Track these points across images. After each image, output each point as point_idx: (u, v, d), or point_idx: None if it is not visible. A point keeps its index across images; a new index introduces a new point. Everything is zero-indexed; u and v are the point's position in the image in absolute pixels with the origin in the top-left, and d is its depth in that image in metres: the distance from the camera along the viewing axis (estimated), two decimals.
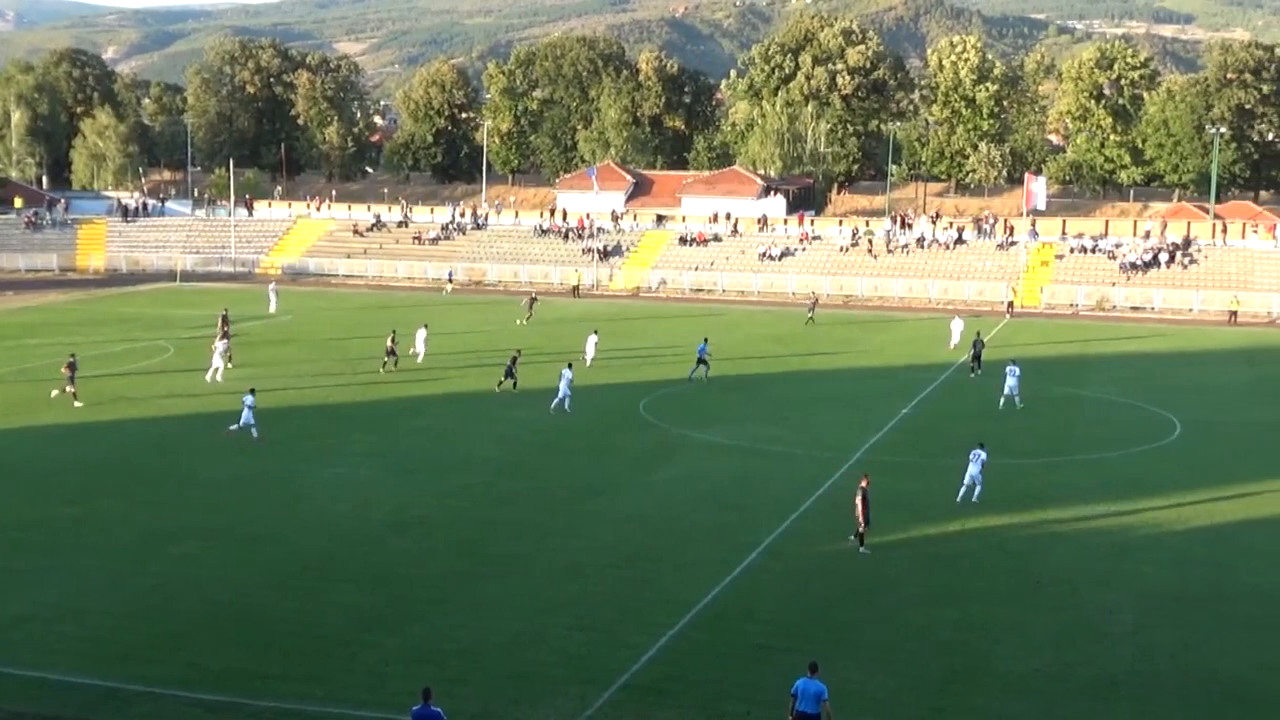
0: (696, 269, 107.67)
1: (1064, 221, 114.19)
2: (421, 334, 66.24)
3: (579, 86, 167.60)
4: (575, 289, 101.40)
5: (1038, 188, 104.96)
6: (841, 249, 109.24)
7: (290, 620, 29.08)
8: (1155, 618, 30.34)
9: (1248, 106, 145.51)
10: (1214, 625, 29.86)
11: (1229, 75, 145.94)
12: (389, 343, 63.32)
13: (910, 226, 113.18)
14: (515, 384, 57.17)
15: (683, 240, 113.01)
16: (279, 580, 31.82)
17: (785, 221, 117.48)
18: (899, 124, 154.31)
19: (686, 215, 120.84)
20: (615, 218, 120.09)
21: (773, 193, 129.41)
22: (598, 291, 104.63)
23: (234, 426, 47.04)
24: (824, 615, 30.13)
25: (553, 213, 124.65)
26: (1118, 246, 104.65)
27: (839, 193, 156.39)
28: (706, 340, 62.77)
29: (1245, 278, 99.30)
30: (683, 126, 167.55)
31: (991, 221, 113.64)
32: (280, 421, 50.05)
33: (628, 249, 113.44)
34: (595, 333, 67.34)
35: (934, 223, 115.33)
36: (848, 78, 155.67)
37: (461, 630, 28.61)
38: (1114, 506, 39.99)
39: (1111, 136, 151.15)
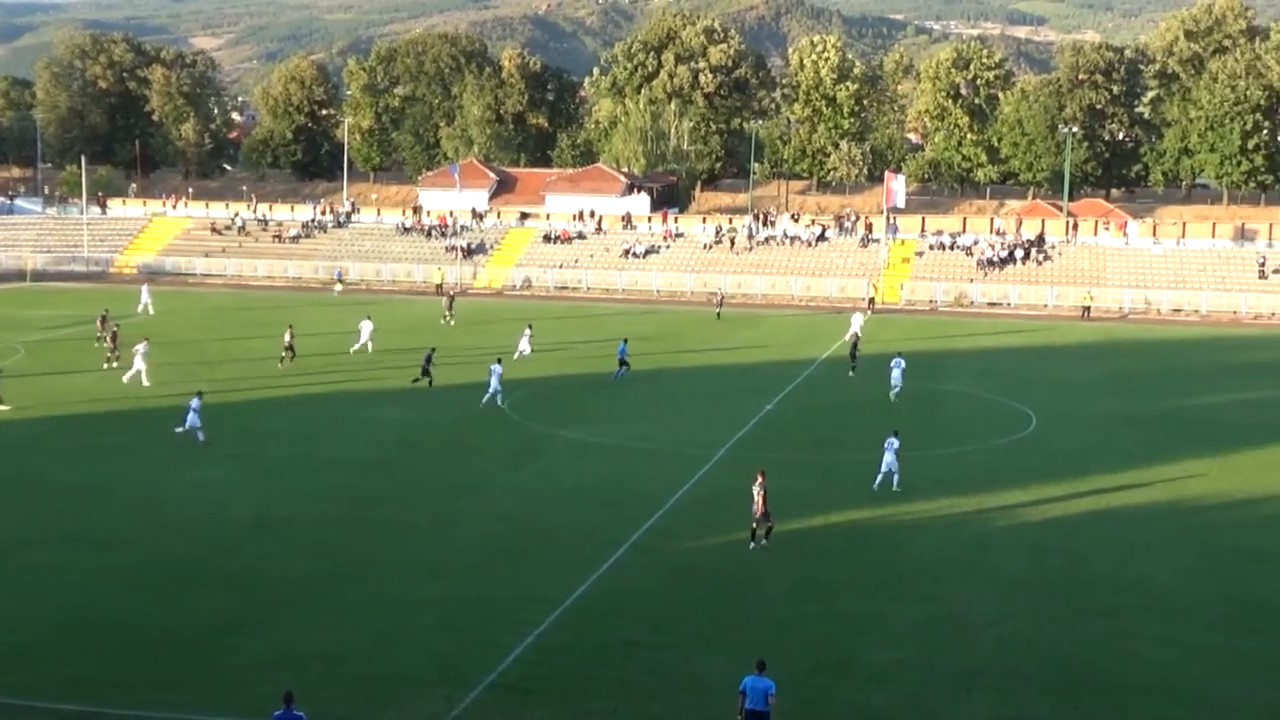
0: (561, 267, 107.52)
1: (923, 219, 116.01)
2: (368, 326, 68.21)
3: (441, 83, 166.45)
4: (439, 287, 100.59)
5: (897, 185, 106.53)
6: (705, 246, 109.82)
7: (148, 626, 28.41)
8: (1015, 608, 30.88)
9: (1098, 106, 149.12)
10: (1071, 614, 30.48)
11: (1080, 76, 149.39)
12: (287, 338, 63.54)
13: (773, 224, 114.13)
14: (430, 381, 56.95)
15: (547, 238, 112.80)
16: (135, 585, 31.08)
17: (649, 219, 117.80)
18: (761, 122, 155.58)
19: (550, 213, 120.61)
20: (478, 215, 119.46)
21: (636, 190, 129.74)
22: (461, 290, 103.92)
23: (179, 429, 46.20)
24: (691, 610, 30.19)
25: (415, 210, 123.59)
26: (975, 243, 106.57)
27: (702, 190, 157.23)
28: (626, 341, 62.70)
29: (1098, 274, 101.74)
30: (546, 124, 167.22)
31: (852, 219, 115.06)
32: (135, 424, 48.99)
33: (491, 247, 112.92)
34: (530, 326, 67.99)
35: (796, 220, 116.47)
36: (710, 76, 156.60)
37: (324, 633, 28.19)
38: (974, 499, 40.65)
39: (968, 135, 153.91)
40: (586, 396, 57.53)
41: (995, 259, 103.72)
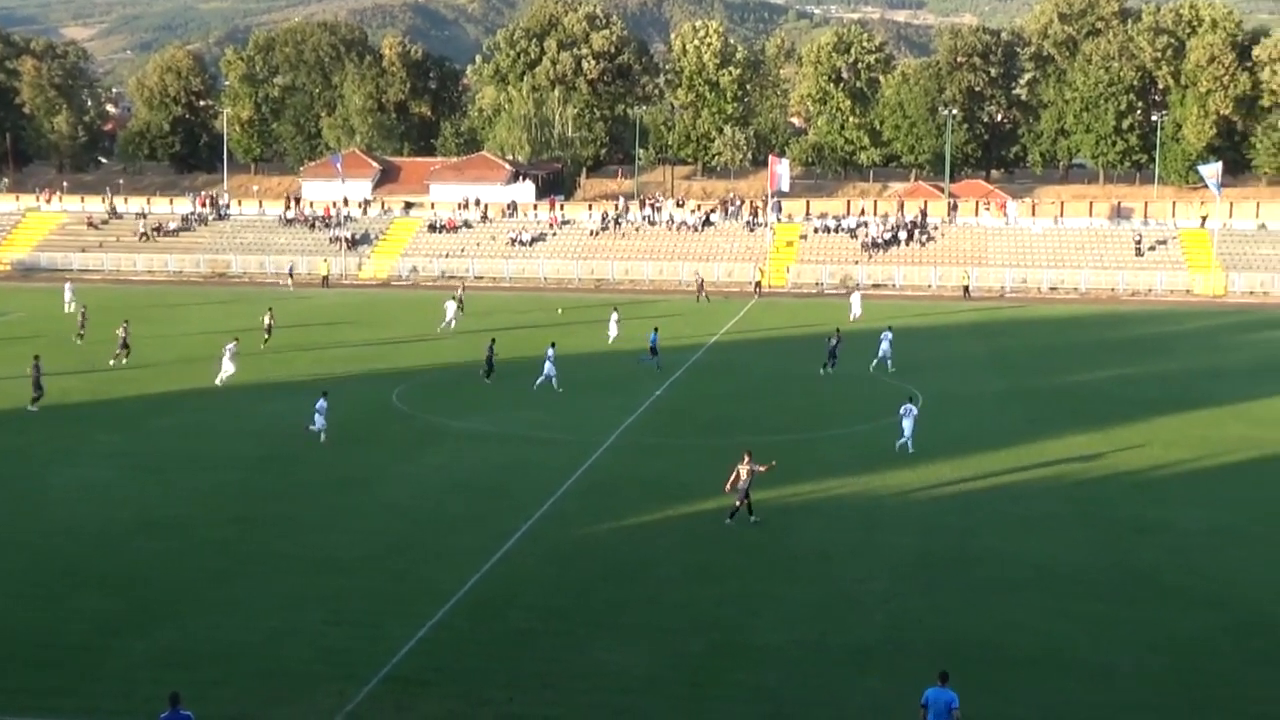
0: (447, 256, 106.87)
1: (808, 202, 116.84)
2: (451, 306, 73.59)
3: (321, 73, 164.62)
4: (325, 279, 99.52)
5: (781, 169, 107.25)
6: (592, 233, 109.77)
7: (32, 630, 27.76)
8: (905, 585, 31.26)
9: (977, 89, 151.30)
10: (961, 589, 30.91)
11: (959, 59, 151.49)
12: (267, 319, 66.95)
13: (659, 210, 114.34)
14: (490, 374, 57.33)
15: (432, 227, 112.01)
16: (18, 589, 30.37)
17: (535, 207, 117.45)
18: (645, 108, 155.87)
19: (435, 202, 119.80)
20: (363, 206, 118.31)
21: (522, 178, 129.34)
22: (347, 281, 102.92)
23: (312, 427, 45.69)
24: (585, 597, 30.18)
25: (298, 201, 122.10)
26: (859, 226, 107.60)
27: (588, 177, 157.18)
28: (657, 330, 63.03)
29: (979, 254, 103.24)
30: (429, 113, 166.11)
31: (737, 203, 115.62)
32: (13, 423, 47.91)
33: (376, 237, 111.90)
34: (616, 309, 71.70)
35: (681, 205, 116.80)
36: (593, 62, 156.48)
37: (215, 631, 27.76)
38: (863, 479, 41.07)
39: (850, 119, 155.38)
40: (477, 386, 57.23)
41: (879, 241, 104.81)
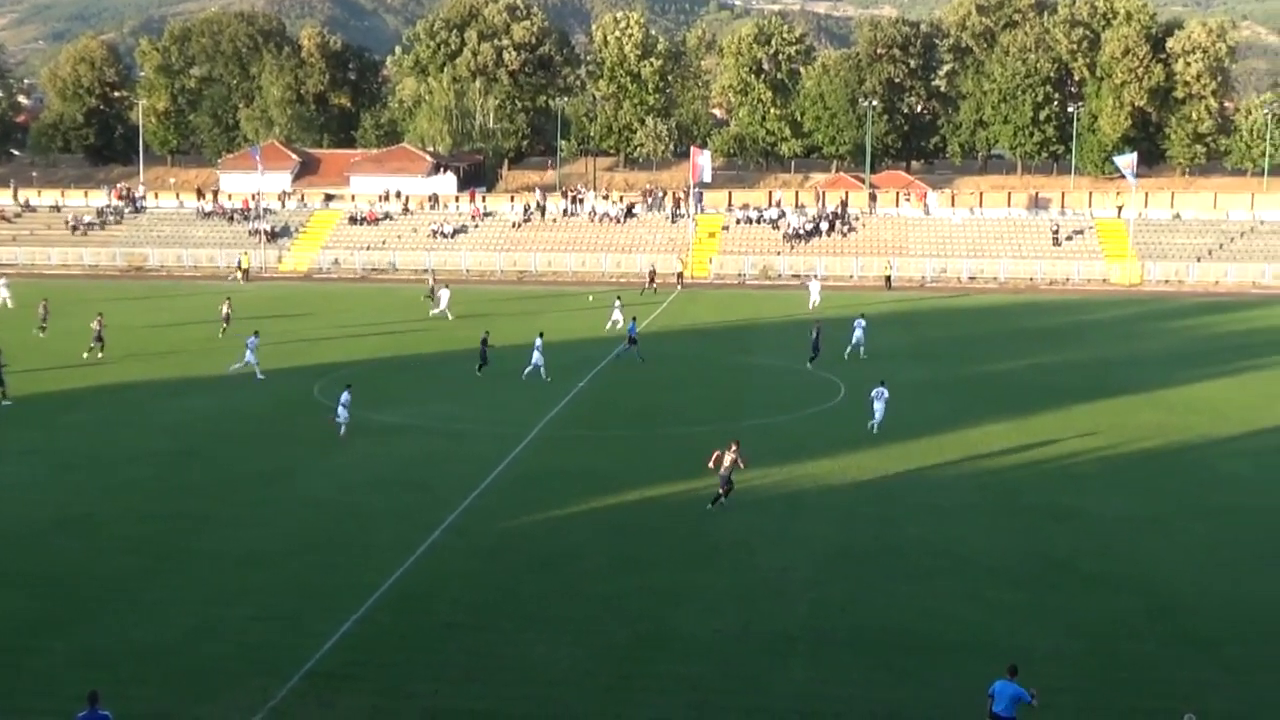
0: (368, 249, 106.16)
1: (730, 193, 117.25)
2: (445, 294, 75.52)
3: (239, 64, 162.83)
4: (245, 272, 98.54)
5: (703, 161, 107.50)
6: (514, 225, 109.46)
7: None
8: (828, 574, 31.49)
9: (897, 80, 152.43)
10: (882, 578, 31.20)
11: (879, 50, 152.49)
12: (225, 309, 67.63)
13: (581, 201, 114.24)
14: (481, 367, 56.92)
15: (353, 220, 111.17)
16: None
17: (457, 199, 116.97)
18: (567, 99, 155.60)
19: (356, 194, 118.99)
20: (282, 198, 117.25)
21: (443, 170, 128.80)
22: (267, 274, 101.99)
23: (336, 419, 45.37)
24: (509, 590, 30.13)
25: (215, 194, 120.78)
26: (781, 217, 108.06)
27: (509, 169, 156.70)
28: (636, 320, 63.72)
29: (900, 244, 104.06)
30: (349, 104, 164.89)
31: (659, 194, 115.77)
32: None
33: (296, 230, 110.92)
34: (619, 298, 73.74)
35: (604, 197, 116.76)
36: (514, 54, 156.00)
37: (134, 629, 27.45)
38: (786, 469, 41.28)
39: (772, 110, 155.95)
40: (397, 378, 56.98)
41: (801, 232, 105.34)
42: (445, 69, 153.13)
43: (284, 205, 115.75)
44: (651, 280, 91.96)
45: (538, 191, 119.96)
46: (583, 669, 25.78)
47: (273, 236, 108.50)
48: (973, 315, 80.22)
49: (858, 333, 62.38)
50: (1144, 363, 61.90)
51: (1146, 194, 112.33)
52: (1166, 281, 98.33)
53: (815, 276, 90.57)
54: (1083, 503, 37.97)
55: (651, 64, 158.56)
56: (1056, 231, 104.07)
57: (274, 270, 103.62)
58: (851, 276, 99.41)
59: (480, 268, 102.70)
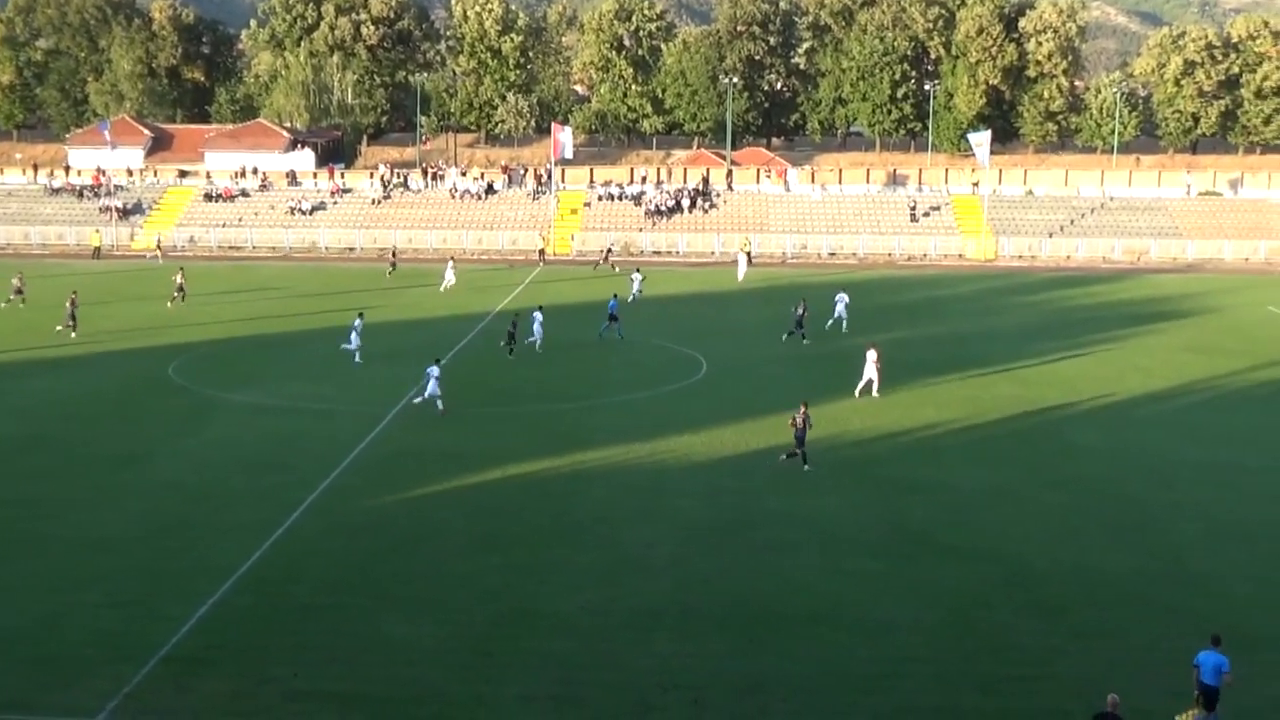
0: (224, 226, 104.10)
1: (591, 170, 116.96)
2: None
3: (87, 36, 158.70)
4: (96, 250, 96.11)
5: (564, 137, 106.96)
6: (373, 202, 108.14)
7: None
8: (691, 548, 31.67)
9: (757, 57, 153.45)
10: (744, 550, 31.46)
11: (739, 28, 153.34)
12: (179, 279, 68.66)
13: (442, 178, 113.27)
14: (511, 350, 56.24)
15: (208, 196, 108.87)
16: None
17: (315, 175, 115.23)
18: (426, 75, 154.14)
19: (211, 170, 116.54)
20: (133, 174, 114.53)
21: (301, 146, 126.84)
22: (119, 252, 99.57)
23: (418, 399, 44.84)
24: (370, 570, 29.87)
25: (65, 170, 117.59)
26: (642, 193, 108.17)
27: (369, 145, 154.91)
28: (616, 296, 63.41)
29: (761, 220, 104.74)
30: (203, 78, 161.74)
31: (521, 171, 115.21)
32: None
33: (149, 207, 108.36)
34: (639, 270, 76.20)
35: (465, 173, 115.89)
36: (372, 28, 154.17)
37: None
38: (649, 445, 41.41)
39: (633, 86, 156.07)
40: (256, 357, 56.11)
41: (663, 208, 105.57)
42: (302, 43, 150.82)
43: (136, 181, 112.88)
44: (607, 257, 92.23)
45: (381, 167, 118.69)
46: (445, 648, 25.66)
47: (124, 214, 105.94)
48: (832, 291, 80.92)
49: (840, 307, 63.93)
50: (999, 337, 63.06)
51: (1000, 171, 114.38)
52: (1020, 257, 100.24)
53: (745, 250, 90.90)
54: (939, 475, 38.64)
55: (512, 40, 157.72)
56: (914, 208, 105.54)
57: (126, 248, 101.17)
58: (713, 253, 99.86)
59: (339, 245, 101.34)
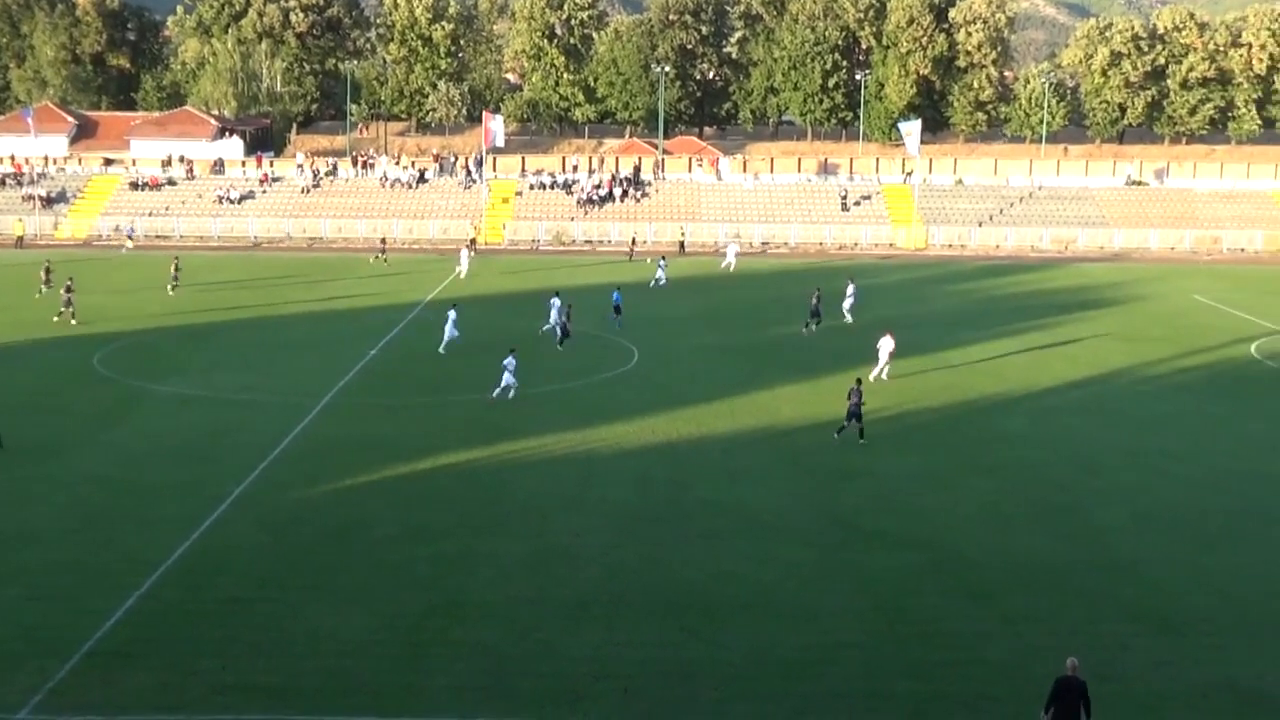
0: (151, 215, 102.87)
1: (523, 159, 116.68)
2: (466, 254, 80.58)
3: (9, 21, 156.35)
4: (20, 239, 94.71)
5: (496, 126, 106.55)
6: (303, 190, 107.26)
7: None
8: (621, 537, 31.64)
9: (689, 47, 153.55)
10: (675, 540, 31.46)
11: (671, 17, 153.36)
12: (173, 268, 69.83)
13: (372, 166, 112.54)
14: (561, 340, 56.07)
15: (134, 185, 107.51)
16: None
17: (243, 163, 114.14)
18: (357, 63, 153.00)
19: (137, 158, 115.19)
20: (56, 162, 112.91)
21: (228, 134, 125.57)
22: (43, 241, 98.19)
23: (494, 394, 45.09)
24: (299, 562, 29.63)
25: None
26: (574, 182, 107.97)
27: (298, 133, 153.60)
28: (620, 289, 63.66)
29: (693, 210, 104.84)
30: (128, 65, 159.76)
31: (452, 160, 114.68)
32: None
33: (74, 195, 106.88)
34: (664, 258, 79.02)
35: (396, 162, 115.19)
36: (301, 15, 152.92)
37: None
38: (580, 434, 41.33)
39: (565, 75, 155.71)
40: (182, 347, 55.45)
41: (595, 197, 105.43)
42: (230, 30, 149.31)
43: (60, 170, 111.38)
44: (631, 248, 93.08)
45: (299, 155, 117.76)
46: (375, 639, 25.49)
47: (48, 202, 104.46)
48: (765, 280, 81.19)
49: (849, 299, 64.30)
50: (929, 325, 63.44)
51: (931, 160, 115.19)
52: (950, 245, 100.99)
53: (734, 239, 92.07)
54: (869, 462, 38.83)
55: (443, 27, 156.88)
56: (845, 197, 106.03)
57: (50, 237, 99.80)
58: (645, 242, 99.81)
59: (269, 234, 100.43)
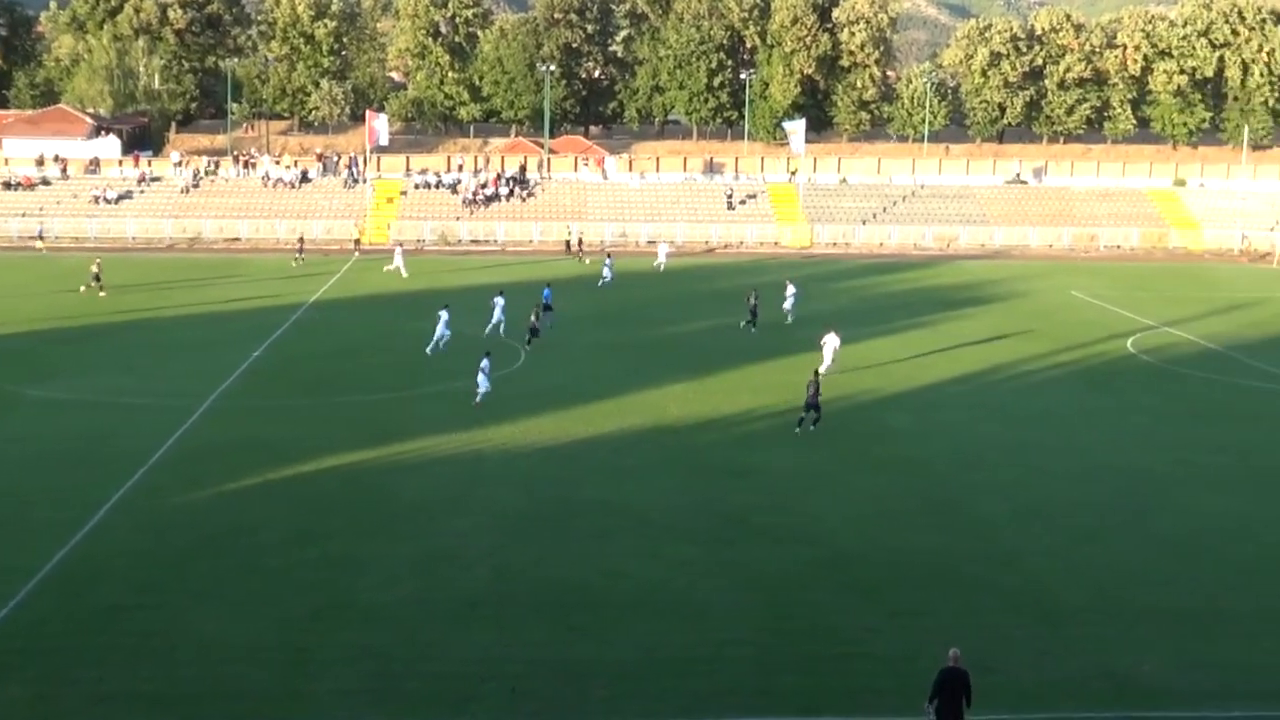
0: (24, 215, 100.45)
1: (408, 158, 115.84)
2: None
3: None
4: None
5: (380, 125, 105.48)
6: (183, 190, 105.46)
7: None
8: (509, 538, 31.50)
9: (575, 45, 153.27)
10: (562, 539, 31.39)
11: (556, 16, 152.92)
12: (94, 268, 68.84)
13: (254, 166, 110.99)
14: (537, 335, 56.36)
15: (6, 185, 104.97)
16: None
17: (120, 163, 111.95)
18: (237, 60, 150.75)
19: (9, 158, 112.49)
20: None
21: (105, 132, 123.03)
22: None
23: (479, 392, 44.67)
24: (181, 568, 29.10)
25: None
26: (459, 182, 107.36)
27: (178, 132, 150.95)
28: (550, 286, 63.08)
29: (579, 209, 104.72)
30: (0, 62, 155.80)
31: (335, 159, 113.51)
32: None
33: None
34: (610, 255, 79.63)
35: (278, 161, 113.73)
36: (180, 11, 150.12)
37: None
38: (467, 435, 41.07)
39: (450, 74, 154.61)
40: (58, 350, 54.24)
41: (480, 197, 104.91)
42: (105, 26, 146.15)
43: None
44: (579, 246, 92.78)
45: (175, 155, 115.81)
46: (259, 644, 25.14)
47: None
48: (651, 278, 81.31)
49: (790, 300, 64.76)
50: (815, 323, 63.66)
51: (815, 159, 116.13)
52: (834, 244, 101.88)
53: (671, 241, 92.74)
54: (758, 459, 39.05)
55: (326, 25, 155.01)
56: (730, 196, 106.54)
57: None
58: (531, 241, 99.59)
59: (147, 235, 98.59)
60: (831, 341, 50.88)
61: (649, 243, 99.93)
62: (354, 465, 37.51)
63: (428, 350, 53.57)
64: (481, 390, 44.76)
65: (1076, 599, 28.27)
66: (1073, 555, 31.08)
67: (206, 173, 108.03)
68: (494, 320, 57.67)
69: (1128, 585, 29.16)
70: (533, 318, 56.76)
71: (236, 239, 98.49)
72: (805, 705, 23.24)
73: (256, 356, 53.50)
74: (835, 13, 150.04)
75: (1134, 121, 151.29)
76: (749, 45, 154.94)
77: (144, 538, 31.12)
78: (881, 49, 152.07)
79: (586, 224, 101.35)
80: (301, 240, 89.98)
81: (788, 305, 64.91)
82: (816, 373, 43.97)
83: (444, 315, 54.82)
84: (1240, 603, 28.28)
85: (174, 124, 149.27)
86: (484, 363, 45.27)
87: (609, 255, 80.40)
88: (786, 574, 29.37)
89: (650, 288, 77.45)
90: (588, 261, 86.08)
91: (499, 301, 58.27)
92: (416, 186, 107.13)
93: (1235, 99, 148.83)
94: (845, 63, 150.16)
